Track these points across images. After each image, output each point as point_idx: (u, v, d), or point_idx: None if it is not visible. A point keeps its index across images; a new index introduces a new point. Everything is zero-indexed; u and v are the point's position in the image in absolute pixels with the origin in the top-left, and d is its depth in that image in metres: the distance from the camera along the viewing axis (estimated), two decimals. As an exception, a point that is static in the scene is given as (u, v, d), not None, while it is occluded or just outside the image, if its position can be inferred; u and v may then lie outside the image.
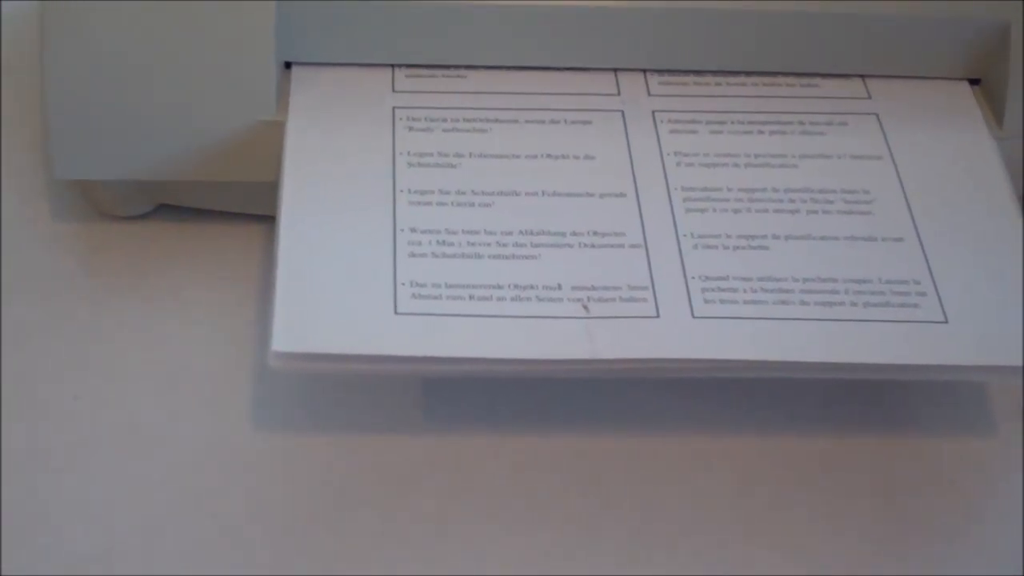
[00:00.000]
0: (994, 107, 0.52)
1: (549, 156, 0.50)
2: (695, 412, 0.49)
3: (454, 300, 0.45)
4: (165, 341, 0.50)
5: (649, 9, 0.51)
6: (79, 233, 0.54)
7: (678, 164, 0.50)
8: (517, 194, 0.49)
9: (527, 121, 0.51)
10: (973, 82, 0.53)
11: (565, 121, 0.51)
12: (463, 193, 0.48)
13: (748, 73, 0.52)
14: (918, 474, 0.48)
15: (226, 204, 0.54)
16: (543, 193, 0.49)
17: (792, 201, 0.49)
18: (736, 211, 0.49)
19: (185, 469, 0.46)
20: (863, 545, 0.46)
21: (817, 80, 0.53)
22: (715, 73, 0.52)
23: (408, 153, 0.49)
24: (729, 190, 0.49)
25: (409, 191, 0.48)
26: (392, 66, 0.52)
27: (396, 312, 0.45)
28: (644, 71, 0.52)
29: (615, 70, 0.52)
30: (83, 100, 0.49)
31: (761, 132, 0.51)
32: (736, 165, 0.50)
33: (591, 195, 0.49)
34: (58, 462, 0.46)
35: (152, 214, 0.54)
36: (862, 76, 0.53)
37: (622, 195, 0.49)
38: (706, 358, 0.44)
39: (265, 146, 0.50)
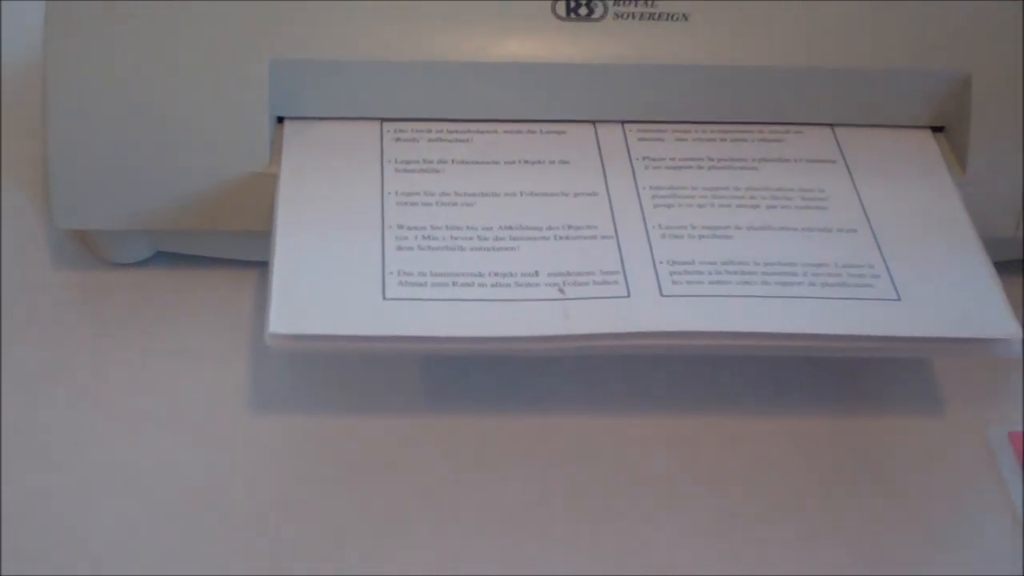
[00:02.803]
0: (957, 153, 0.54)
1: (526, 161, 0.53)
2: (673, 395, 0.52)
3: (438, 287, 0.48)
4: (162, 383, 0.51)
5: (625, 67, 0.53)
6: (79, 280, 0.55)
7: (646, 167, 0.53)
8: (497, 195, 0.52)
9: (506, 132, 0.54)
10: (937, 130, 0.55)
11: (541, 131, 0.54)
12: (447, 194, 0.51)
13: (717, 123, 0.55)
14: (874, 453, 0.50)
15: (221, 251, 0.55)
16: (521, 193, 0.52)
17: (752, 198, 0.52)
18: (701, 206, 0.52)
19: (184, 507, 0.47)
20: (823, 527, 0.48)
21: (785, 128, 0.55)
22: (685, 123, 0.55)
23: (396, 161, 0.52)
24: (694, 188, 0.52)
25: (397, 193, 0.51)
26: (381, 120, 0.54)
27: (384, 298, 0.47)
28: (622, 123, 0.55)
29: (593, 122, 0.54)
30: (83, 153, 0.51)
31: (723, 140, 0.54)
32: (700, 167, 0.53)
33: (566, 194, 0.52)
34: (57, 503, 0.47)
35: (149, 261, 0.56)
36: (830, 126, 0.55)
37: (594, 194, 0.52)
38: (674, 330, 0.47)
39: (258, 196, 0.52)
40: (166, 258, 0.56)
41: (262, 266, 0.51)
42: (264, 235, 0.50)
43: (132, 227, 0.53)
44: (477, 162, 0.53)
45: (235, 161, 0.52)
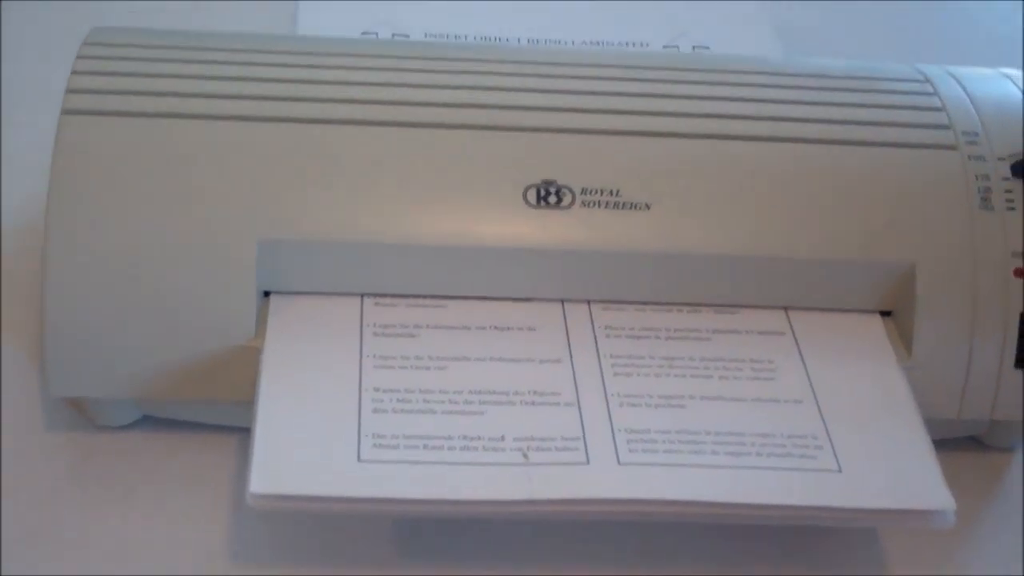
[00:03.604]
0: (904, 337, 0.57)
1: (496, 328, 0.56)
2: (631, 555, 0.54)
3: (410, 448, 0.50)
4: (146, 542, 0.53)
5: (591, 252, 0.56)
6: (68, 441, 0.57)
7: (608, 335, 0.56)
8: (468, 359, 0.54)
9: (478, 299, 0.56)
10: (885, 314, 0.58)
11: (511, 299, 0.57)
12: (421, 359, 0.54)
13: (675, 304, 0.58)
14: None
15: (205, 417, 0.57)
16: (490, 359, 0.55)
17: (706, 368, 0.55)
18: (658, 376, 0.55)
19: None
20: None
21: (740, 310, 0.58)
22: (645, 303, 0.58)
23: (375, 325, 0.55)
24: (652, 358, 0.55)
25: (375, 356, 0.54)
26: (362, 295, 0.57)
27: (359, 460, 0.50)
28: (588, 302, 0.58)
29: (561, 300, 0.57)
30: (78, 327, 0.53)
31: (680, 311, 0.57)
32: (658, 337, 0.56)
33: (531, 361, 0.55)
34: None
35: (137, 424, 0.58)
36: (784, 308, 0.58)
37: (558, 361, 0.55)
38: (629, 498, 0.49)
39: (244, 368, 0.54)
40: (152, 422, 0.58)
41: (244, 431, 0.53)
42: (247, 403, 0.52)
43: (122, 396, 0.55)
44: (450, 327, 0.55)
45: (223, 335, 0.54)
